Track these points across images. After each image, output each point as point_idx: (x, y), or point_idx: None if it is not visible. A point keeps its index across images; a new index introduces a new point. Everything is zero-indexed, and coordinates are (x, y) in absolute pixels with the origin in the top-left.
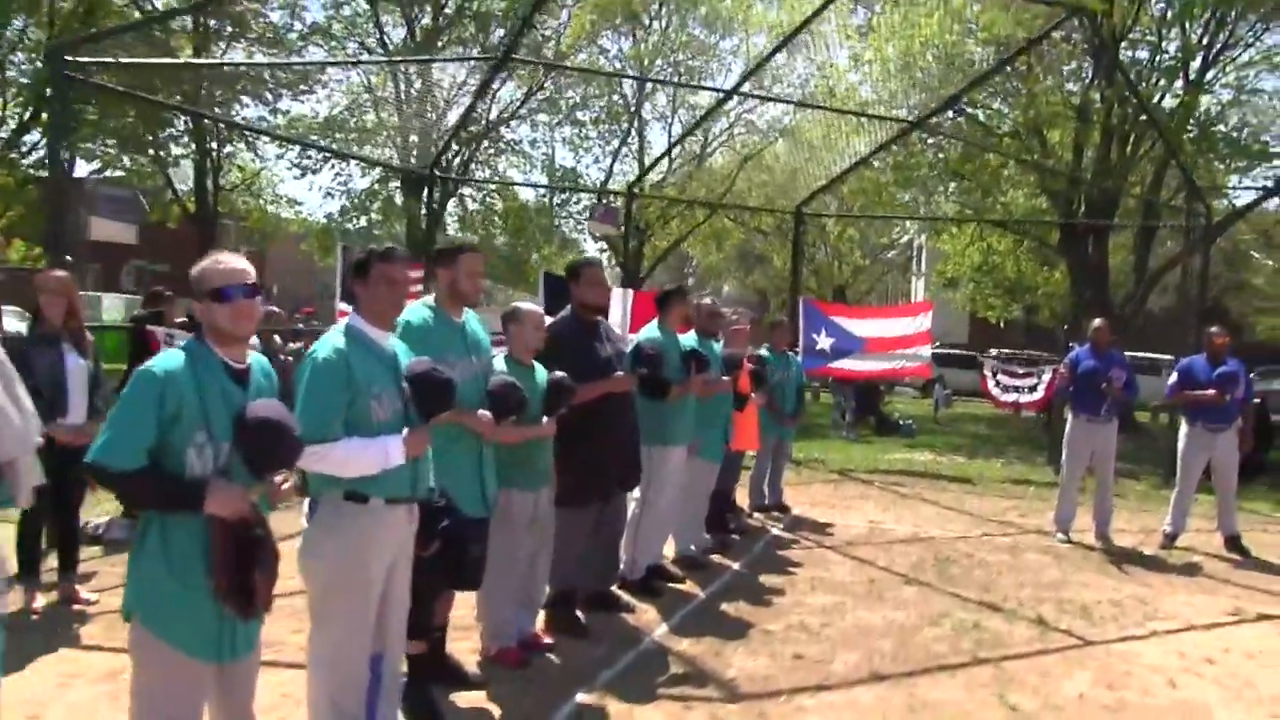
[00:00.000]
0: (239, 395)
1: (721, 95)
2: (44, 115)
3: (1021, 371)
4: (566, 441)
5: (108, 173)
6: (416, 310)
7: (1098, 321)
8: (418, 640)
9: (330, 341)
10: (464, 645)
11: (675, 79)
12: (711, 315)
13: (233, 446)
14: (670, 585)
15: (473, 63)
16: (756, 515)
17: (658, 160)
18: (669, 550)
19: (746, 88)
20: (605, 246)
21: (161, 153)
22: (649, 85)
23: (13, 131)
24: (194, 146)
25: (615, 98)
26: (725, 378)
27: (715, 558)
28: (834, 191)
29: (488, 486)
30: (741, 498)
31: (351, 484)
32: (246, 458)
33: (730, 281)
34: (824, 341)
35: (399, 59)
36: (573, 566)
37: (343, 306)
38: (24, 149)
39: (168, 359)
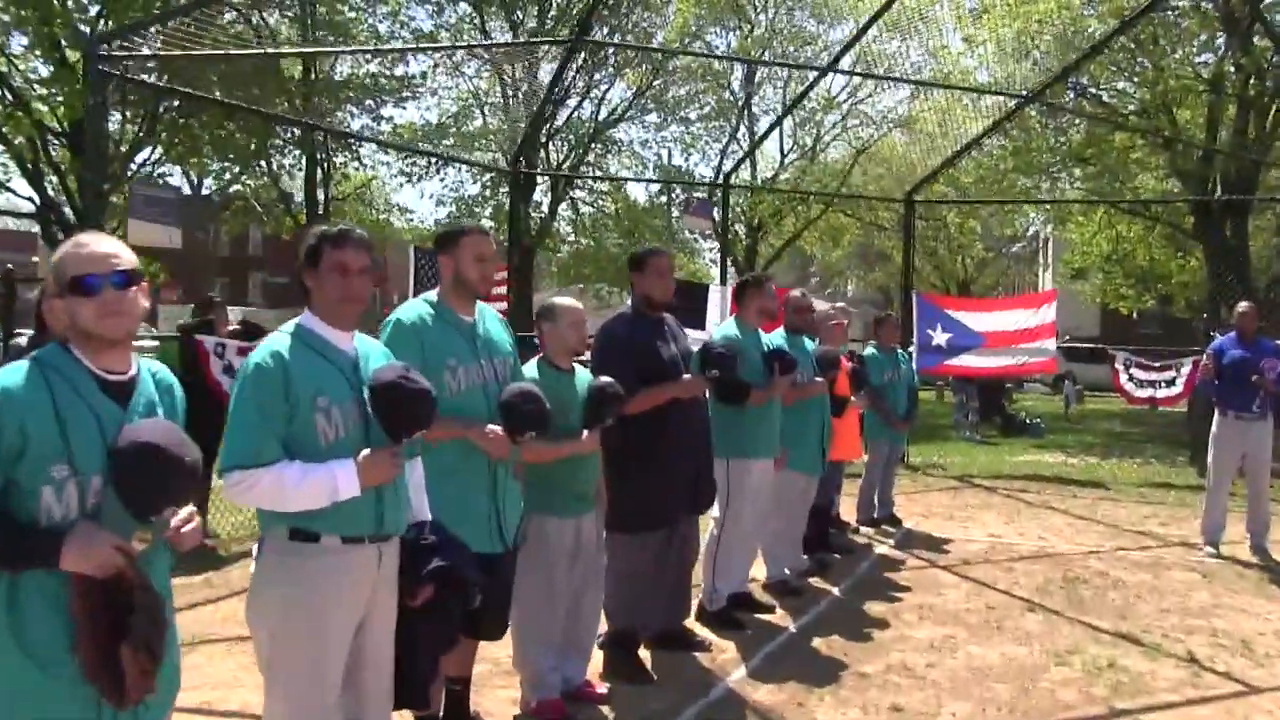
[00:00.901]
0: (116, 415)
1: (818, 73)
2: (158, 130)
3: (1158, 365)
4: (624, 458)
5: (233, 188)
6: (412, 307)
7: (1243, 305)
8: (420, 709)
9: (269, 344)
10: (506, 695)
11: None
12: (801, 310)
13: (107, 481)
14: (757, 616)
15: (579, 63)
16: (864, 530)
17: (753, 148)
18: (760, 572)
19: (856, 70)
20: (716, 245)
21: (268, 164)
22: (756, 79)
23: (127, 150)
24: (304, 158)
25: (725, 94)
26: (819, 379)
27: (813, 581)
28: (953, 182)
29: (506, 516)
30: (849, 510)
31: (297, 519)
32: (121, 493)
33: (852, 280)
34: (940, 337)
35: (467, 45)
36: (634, 602)
37: None
38: (137, 167)
39: (8, 373)
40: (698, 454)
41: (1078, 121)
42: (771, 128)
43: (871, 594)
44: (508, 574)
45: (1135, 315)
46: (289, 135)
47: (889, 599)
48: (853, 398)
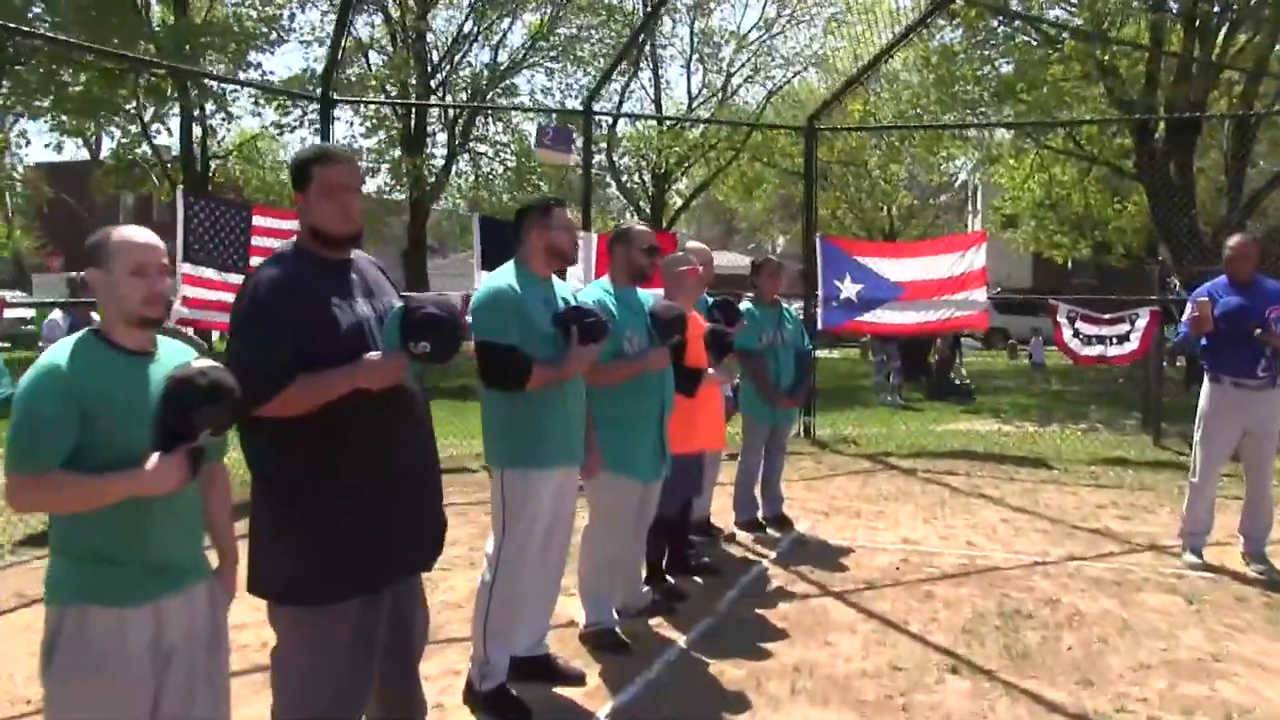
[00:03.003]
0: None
1: None
2: None
3: (1107, 317)
4: (277, 490)
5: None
6: None
7: (1235, 239)
8: None
9: None
10: None
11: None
12: (648, 248)
13: None
14: (555, 691)
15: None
16: (742, 537)
17: (612, 68)
18: (580, 614)
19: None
20: (627, 204)
21: (141, 121)
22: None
23: None
24: (179, 111)
25: (626, 31)
26: (656, 348)
27: (654, 624)
28: (872, 120)
29: None
30: (727, 511)
31: None
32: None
33: (778, 234)
34: (849, 289)
35: None
36: (320, 706)
37: (187, 269)
38: None
39: None
40: (415, 474)
41: (1003, 49)
42: (628, 46)
43: (731, 645)
44: None
45: (1070, 264)
46: (148, 84)
47: (755, 653)
48: (709, 370)
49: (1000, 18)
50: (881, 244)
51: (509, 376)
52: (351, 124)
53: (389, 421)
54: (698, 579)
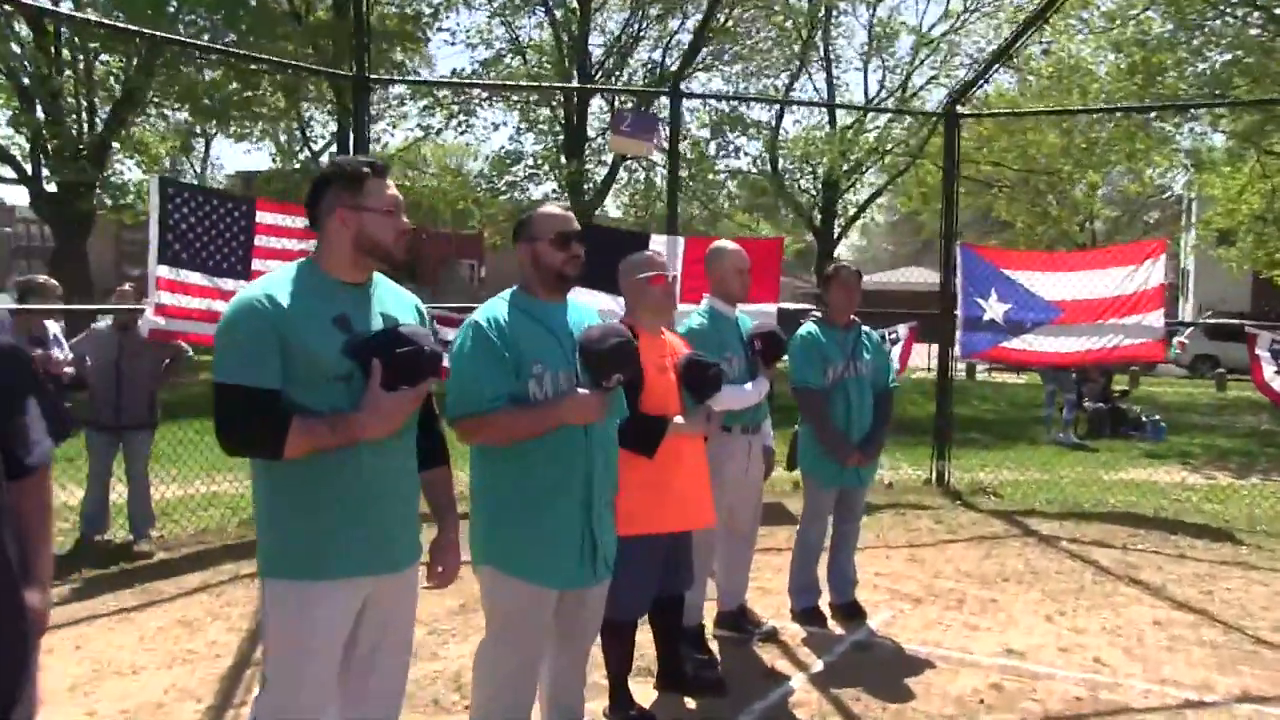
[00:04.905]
0: None
1: None
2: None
3: None
4: None
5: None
6: None
7: None
8: None
9: None
10: None
11: None
12: (558, 239)
13: None
14: None
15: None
16: (795, 629)
17: (696, 45)
18: None
19: None
20: (791, 213)
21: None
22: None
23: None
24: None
25: (786, 23)
26: (584, 391)
27: None
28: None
29: None
30: (777, 592)
31: None
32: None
33: None
34: (994, 308)
35: None
36: None
37: (163, 272)
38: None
39: None
40: None
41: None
42: (709, 12)
43: None
44: None
45: None
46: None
47: None
48: (678, 418)
49: None
50: (1035, 254)
51: (255, 438)
52: (519, 128)
53: None
54: (690, 701)
